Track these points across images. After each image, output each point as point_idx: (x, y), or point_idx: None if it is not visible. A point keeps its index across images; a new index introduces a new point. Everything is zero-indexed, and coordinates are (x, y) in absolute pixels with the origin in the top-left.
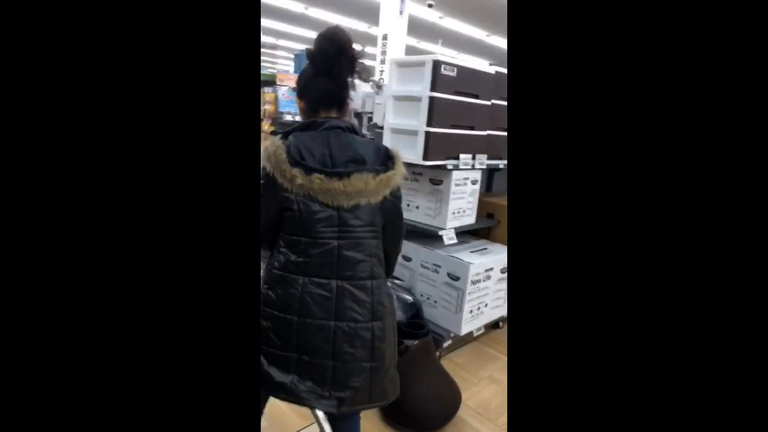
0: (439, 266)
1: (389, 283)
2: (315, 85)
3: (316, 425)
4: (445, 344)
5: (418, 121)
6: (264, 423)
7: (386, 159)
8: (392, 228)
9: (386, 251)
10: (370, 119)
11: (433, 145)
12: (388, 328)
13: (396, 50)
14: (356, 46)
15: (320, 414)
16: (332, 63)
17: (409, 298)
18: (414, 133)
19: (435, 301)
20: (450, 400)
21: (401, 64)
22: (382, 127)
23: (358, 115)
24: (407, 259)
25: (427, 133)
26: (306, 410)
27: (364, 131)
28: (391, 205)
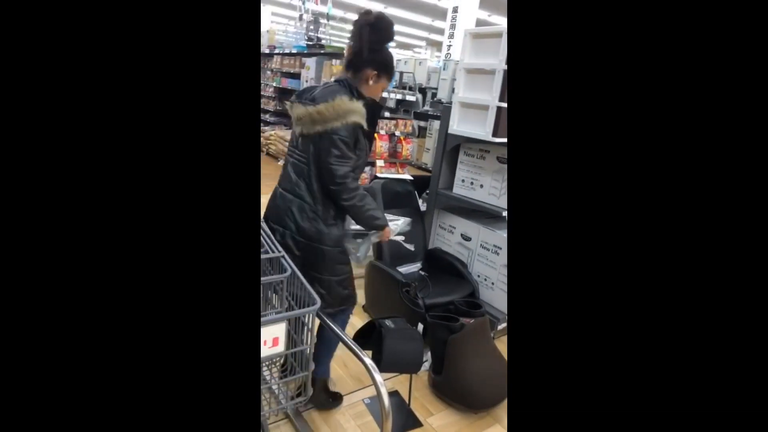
0: (500, 248)
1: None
2: None
3: (364, 390)
4: (500, 326)
5: (491, 96)
6: None
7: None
8: (317, 165)
9: (331, 195)
10: (434, 95)
11: (504, 121)
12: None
13: (466, 23)
14: (368, 18)
15: (378, 378)
16: (352, 34)
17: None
18: (485, 107)
19: (492, 283)
20: (503, 381)
21: (476, 36)
22: (448, 103)
23: (423, 90)
24: (466, 238)
25: (499, 109)
26: (360, 373)
27: (426, 108)
28: (322, 140)
